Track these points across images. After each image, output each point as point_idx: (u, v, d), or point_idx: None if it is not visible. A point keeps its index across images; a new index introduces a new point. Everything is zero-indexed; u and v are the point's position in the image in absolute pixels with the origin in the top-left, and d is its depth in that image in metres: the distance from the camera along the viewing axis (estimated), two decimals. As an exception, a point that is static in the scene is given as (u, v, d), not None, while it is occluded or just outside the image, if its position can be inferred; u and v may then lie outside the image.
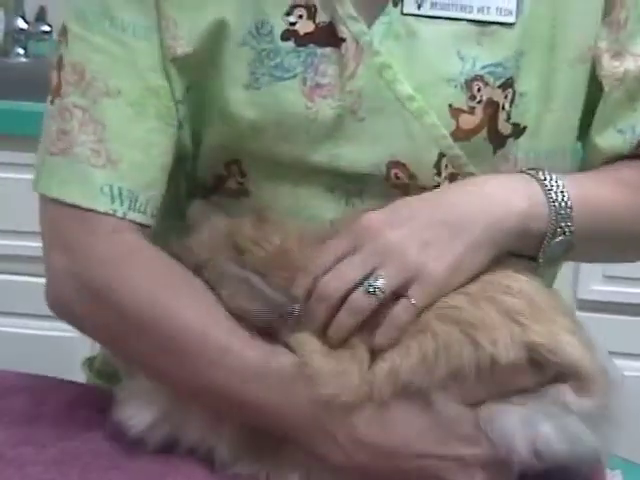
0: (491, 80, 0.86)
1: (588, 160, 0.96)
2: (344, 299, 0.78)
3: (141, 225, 0.88)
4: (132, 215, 0.87)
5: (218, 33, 0.87)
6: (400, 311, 0.77)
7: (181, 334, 0.82)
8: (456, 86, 0.86)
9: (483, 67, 0.86)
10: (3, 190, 1.88)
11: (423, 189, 0.87)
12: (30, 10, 2.21)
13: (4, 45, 2.22)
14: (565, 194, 0.83)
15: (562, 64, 0.90)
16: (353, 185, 0.89)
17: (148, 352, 0.84)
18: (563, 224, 0.82)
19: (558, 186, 0.83)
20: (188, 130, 0.92)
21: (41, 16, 2.20)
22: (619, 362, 1.79)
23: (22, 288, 1.90)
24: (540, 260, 0.84)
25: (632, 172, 0.92)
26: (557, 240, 0.83)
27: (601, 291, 1.86)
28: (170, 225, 0.93)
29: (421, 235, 0.79)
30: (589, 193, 0.86)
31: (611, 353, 1.89)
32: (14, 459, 0.87)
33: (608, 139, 0.93)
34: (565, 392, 0.76)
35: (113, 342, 0.89)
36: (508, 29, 0.86)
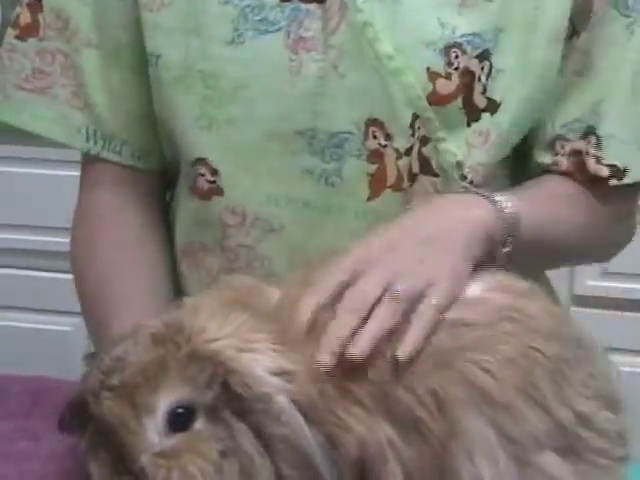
0: (469, 49, 0.89)
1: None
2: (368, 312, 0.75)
3: (121, 166, 0.98)
4: (105, 154, 0.98)
5: None
6: (424, 310, 0.74)
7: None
8: (435, 50, 0.88)
9: (462, 35, 0.89)
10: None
11: (397, 152, 0.90)
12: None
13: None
14: (512, 209, 0.84)
15: (541, 41, 0.92)
16: (330, 164, 0.91)
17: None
18: (510, 236, 0.84)
19: (506, 202, 0.84)
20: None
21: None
22: (616, 358, 1.82)
23: (22, 281, 1.92)
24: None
25: (560, 185, 0.95)
26: (504, 250, 0.84)
27: (597, 287, 1.88)
28: None
29: (415, 253, 0.78)
30: (531, 208, 0.88)
31: (607, 349, 1.90)
32: (12, 454, 0.89)
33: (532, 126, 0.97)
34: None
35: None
36: (487, 3, 0.90)
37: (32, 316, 1.88)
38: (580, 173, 0.95)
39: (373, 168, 0.90)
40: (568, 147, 0.95)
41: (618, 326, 1.84)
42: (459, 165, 0.92)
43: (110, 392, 0.69)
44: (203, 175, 0.93)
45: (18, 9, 0.97)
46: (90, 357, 1.14)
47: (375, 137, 0.90)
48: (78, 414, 0.72)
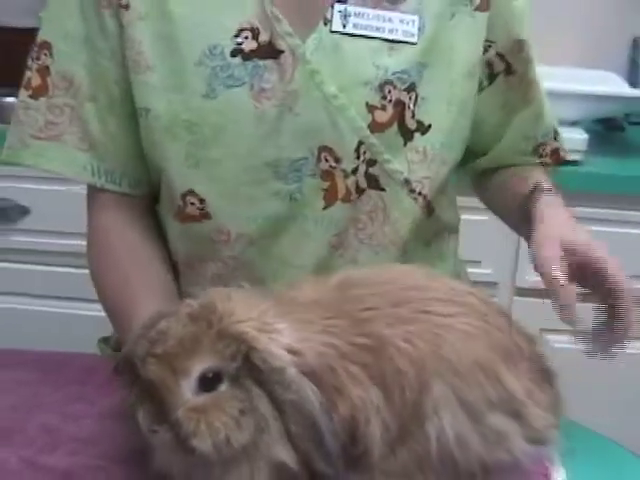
0: (399, 84, 1.06)
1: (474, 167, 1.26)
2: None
3: (120, 194, 1.13)
4: (109, 186, 1.13)
5: (175, 54, 1.04)
6: None
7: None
8: (371, 88, 1.05)
9: (393, 73, 1.05)
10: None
11: (344, 172, 1.06)
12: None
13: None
14: None
15: (458, 77, 1.10)
16: (292, 185, 1.06)
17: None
18: None
19: None
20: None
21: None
22: (550, 337, 1.98)
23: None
24: None
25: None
26: None
27: (535, 280, 1.98)
28: None
29: None
30: None
31: (543, 330, 2.08)
32: (71, 414, 1.01)
33: (513, 144, 1.22)
34: None
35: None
36: (411, 46, 1.06)
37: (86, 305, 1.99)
38: (556, 162, 1.24)
39: (326, 185, 1.07)
40: (549, 148, 1.23)
41: (552, 311, 2.00)
42: (407, 181, 1.09)
43: (154, 358, 0.78)
44: (193, 204, 1.08)
45: (28, 73, 1.13)
46: (103, 341, 1.29)
47: (327, 160, 1.06)
48: (128, 366, 0.83)
